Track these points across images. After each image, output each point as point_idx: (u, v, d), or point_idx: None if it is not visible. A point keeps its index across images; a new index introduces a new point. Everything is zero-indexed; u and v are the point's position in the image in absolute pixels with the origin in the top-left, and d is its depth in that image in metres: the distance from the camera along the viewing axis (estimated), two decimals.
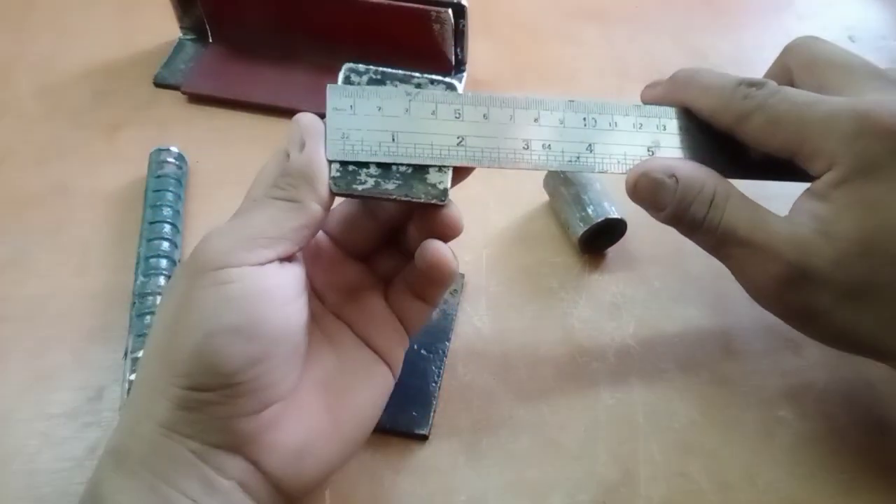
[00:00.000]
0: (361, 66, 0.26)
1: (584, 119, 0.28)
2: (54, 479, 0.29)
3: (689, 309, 0.36)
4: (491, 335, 0.34)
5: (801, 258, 0.25)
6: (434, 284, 0.27)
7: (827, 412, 0.32)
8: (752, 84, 0.27)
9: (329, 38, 0.44)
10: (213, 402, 0.22)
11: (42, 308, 0.34)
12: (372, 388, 0.27)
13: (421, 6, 0.41)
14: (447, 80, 0.26)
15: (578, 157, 0.27)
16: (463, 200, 0.40)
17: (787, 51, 0.30)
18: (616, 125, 0.28)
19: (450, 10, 0.41)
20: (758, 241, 0.26)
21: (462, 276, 0.30)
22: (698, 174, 0.27)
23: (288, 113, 0.43)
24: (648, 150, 0.28)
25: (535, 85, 0.47)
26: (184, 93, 0.44)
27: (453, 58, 0.44)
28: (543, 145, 0.27)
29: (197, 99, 0.44)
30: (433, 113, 0.26)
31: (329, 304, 0.28)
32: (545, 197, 0.39)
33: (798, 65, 0.29)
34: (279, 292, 0.23)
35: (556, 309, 0.35)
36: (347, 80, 0.26)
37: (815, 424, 0.32)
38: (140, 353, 0.31)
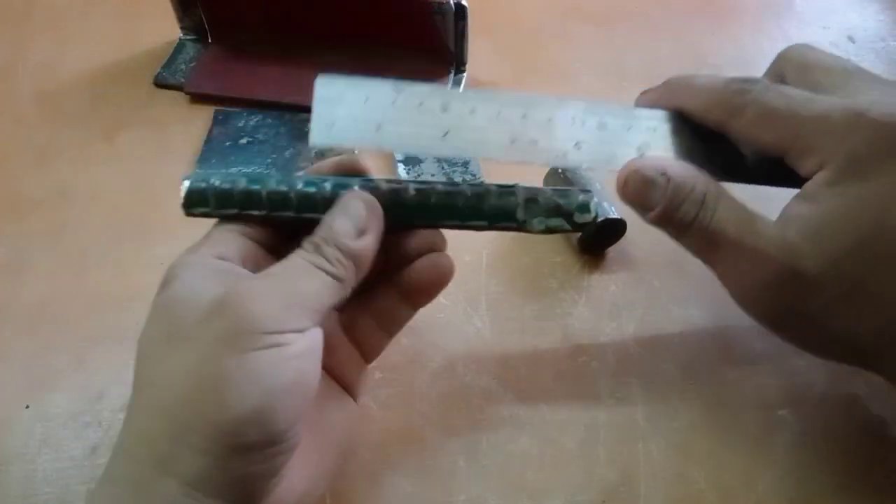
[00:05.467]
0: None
1: (573, 118, 0.28)
2: (54, 480, 0.29)
3: (689, 309, 0.36)
4: (491, 335, 0.34)
5: (791, 261, 0.25)
6: (430, 293, 0.28)
7: (827, 412, 0.32)
8: (746, 80, 0.27)
9: (329, 34, 0.44)
10: (256, 461, 0.22)
11: (42, 310, 0.34)
12: (344, 419, 0.27)
13: None
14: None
15: (566, 155, 0.27)
16: None
17: (781, 57, 0.30)
18: (605, 126, 0.28)
19: (451, 1, 0.41)
20: (748, 243, 0.26)
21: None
22: (690, 174, 0.27)
23: (290, 109, 0.43)
24: (638, 151, 0.28)
25: (535, 85, 0.47)
26: (187, 93, 0.44)
27: (454, 51, 0.44)
28: (531, 141, 0.27)
29: (198, 99, 0.44)
30: (420, 105, 0.26)
31: None
32: None
33: (792, 69, 0.29)
34: (319, 351, 0.23)
35: (556, 309, 0.35)
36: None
37: (815, 425, 0.32)
38: None
